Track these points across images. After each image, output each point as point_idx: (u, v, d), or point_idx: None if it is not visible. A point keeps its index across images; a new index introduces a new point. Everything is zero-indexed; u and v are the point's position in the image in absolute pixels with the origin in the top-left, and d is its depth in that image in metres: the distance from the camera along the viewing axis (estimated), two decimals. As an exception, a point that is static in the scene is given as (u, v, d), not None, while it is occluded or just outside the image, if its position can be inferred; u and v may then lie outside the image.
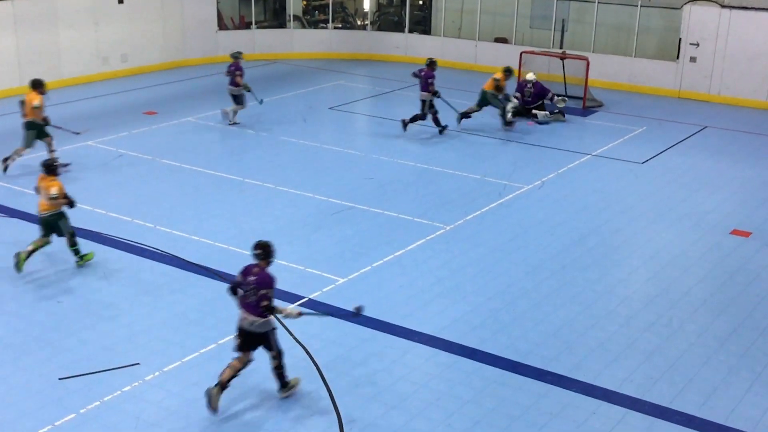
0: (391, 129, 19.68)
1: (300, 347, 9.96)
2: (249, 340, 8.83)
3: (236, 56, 19.48)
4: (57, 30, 22.50)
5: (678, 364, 9.88)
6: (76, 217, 12.78)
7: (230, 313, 10.58)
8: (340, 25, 28.75)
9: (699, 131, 19.82)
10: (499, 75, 19.29)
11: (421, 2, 28.65)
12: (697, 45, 22.57)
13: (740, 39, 22.01)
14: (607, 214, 14.52)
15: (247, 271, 8.81)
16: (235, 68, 19.21)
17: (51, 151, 15.48)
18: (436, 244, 13.06)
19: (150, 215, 13.92)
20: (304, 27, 28.35)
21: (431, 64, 18.66)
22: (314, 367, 9.58)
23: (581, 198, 15.29)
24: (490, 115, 20.03)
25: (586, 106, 21.69)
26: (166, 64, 25.31)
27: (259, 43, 27.14)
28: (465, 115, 19.38)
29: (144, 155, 17.06)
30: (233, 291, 8.88)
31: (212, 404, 8.67)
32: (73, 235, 11.90)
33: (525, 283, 11.84)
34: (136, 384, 9.24)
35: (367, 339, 10.26)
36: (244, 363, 8.87)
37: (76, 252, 11.92)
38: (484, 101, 19.41)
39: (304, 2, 28.85)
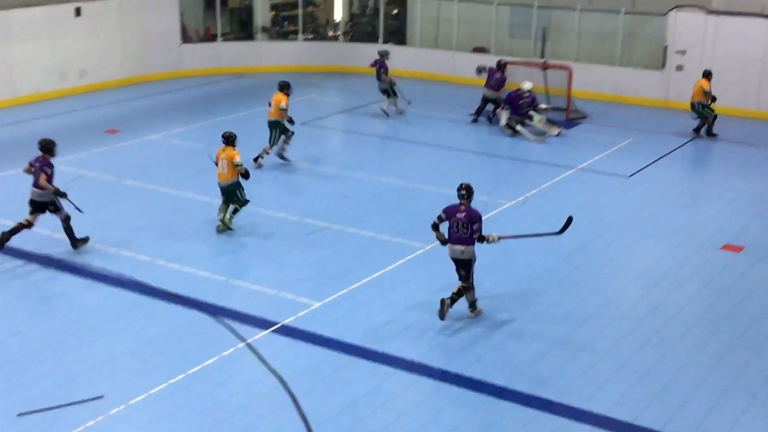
0: (367, 144, 19.78)
1: (274, 376, 9.95)
2: (457, 268, 11.25)
3: (383, 54, 21.60)
4: (10, 44, 22.40)
5: (671, 385, 9.97)
6: (34, 244, 12.75)
7: (199, 341, 10.60)
8: (310, 37, 28.87)
9: (687, 143, 20.07)
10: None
11: (395, 11, 28.85)
12: (684, 53, 22.90)
13: (728, 46, 22.35)
14: (594, 230, 14.65)
15: (453, 210, 11.20)
16: (379, 66, 21.45)
17: (285, 143, 17.82)
18: (415, 265, 13.10)
19: (112, 239, 13.87)
20: (272, 39, 28.46)
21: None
22: (289, 397, 9.57)
23: (566, 214, 15.34)
24: (471, 129, 20.20)
25: (570, 118, 21.90)
26: (127, 80, 25.28)
27: (225, 56, 27.20)
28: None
29: (106, 175, 17.01)
30: (435, 227, 11.28)
31: (443, 315, 11.09)
32: (243, 204, 14.21)
33: (509, 304, 11.91)
34: (101, 418, 9.17)
35: (345, 366, 10.26)
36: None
37: (236, 209, 14.18)
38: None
39: (273, 13, 28.95)
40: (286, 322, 11.23)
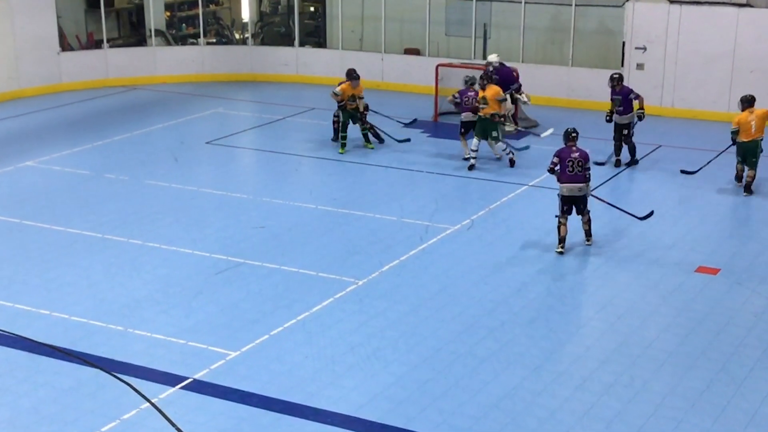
0: (284, 165, 19.86)
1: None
2: (572, 204, 14.82)
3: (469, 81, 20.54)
4: None
5: (643, 431, 10.23)
6: None
7: (94, 403, 10.53)
8: (214, 40, 28.94)
9: (652, 151, 20.60)
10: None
11: (312, 9, 29.09)
12: (644, 49, 23.51)
13: (693, 40, 22.95)
14: (550, 256, 14.96)
15: (566, 152, 14.82)
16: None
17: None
18: (346, 304, 13.20)
19: (-16, 287, 13.71)
20: (169, 44, 28.44)
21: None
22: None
23: (519, 238, 15.72)
24: (403, 143, 20.47)
25: (518, 127, 22.29)
26: (-5, 96, 25.02)
27: (113, 65, 27.07)
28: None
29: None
30: (552, 171, 14.91)
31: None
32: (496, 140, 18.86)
33: (457, 345, 12.08)
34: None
35: (270, 425, 10.30)
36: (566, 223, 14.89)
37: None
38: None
39: (168, 13, 28.93)
40: (197, 376, 11.21)
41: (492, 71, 20.53)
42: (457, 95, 20.09)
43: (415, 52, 26.64)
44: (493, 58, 21.73)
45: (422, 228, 16.07)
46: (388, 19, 26.73)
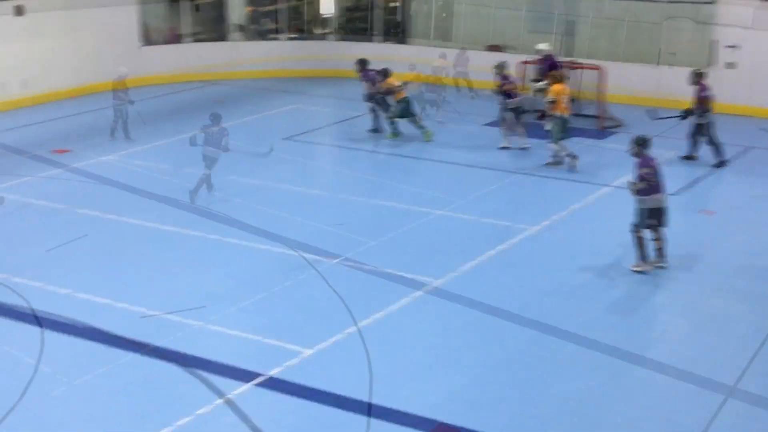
0: (362, 161, 19.90)
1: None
2: (656, 217, 13.94)
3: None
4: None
5: (729, 441, 9.99)
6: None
7: (169, 398, 10.63)
8: (295, 35, 29.09)
9: (743, 153, 20.20)
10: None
11: (395, 4, 29.09)
12: (736, 48, 23.03)
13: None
14: (632, 259, 14.71)
15: (652, 160, 13.90)
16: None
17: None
18: (424, 304, 13.15)
19: (58, 277, 13.94)
20: (249, 39, 28.69)
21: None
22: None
23: (600, 242, 15.50)
24: (479, 143, 20.37)
25: (603, 126, 22.05)
26: (77, 89, 25.45)
27: (193, 59, 27.37)
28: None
29: (55, 204, 17.12)
30: (641, 183, 13.78)
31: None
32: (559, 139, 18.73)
33: (536, 348, 11.93)
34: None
35: (341, 424, 10.29)
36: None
37: None
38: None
39: (249, 9, 29.18)
40: (272, 372, 11.26)
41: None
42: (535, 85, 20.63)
43: (497, 48, 26.49)
44: (543, 46, 22.25)
45: (502, 228, 15.97)
46: (469, 15, 26.59)
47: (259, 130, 22.29)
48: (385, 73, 21.31)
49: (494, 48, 26.54)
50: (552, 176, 18.76)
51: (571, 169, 19.02)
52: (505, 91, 20.35)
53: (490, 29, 26.87)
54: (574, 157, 19.10)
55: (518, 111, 20.52)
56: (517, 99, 20.45)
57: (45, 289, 13.50)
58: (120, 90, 20.92)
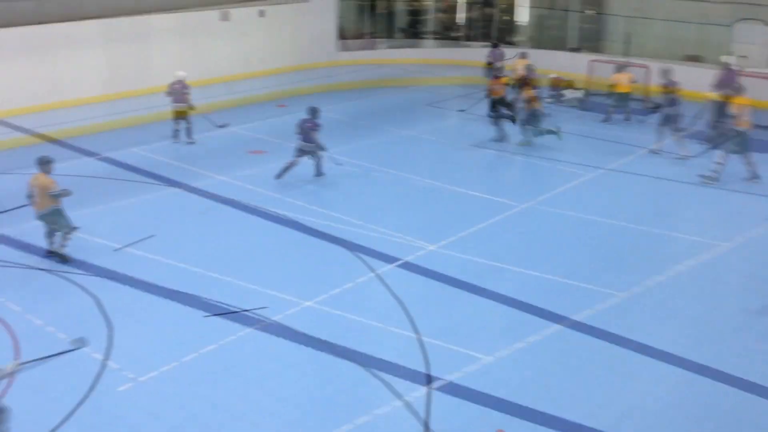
0: (548, 172, 19.88)
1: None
2: None
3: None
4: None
5: None
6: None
7: (351, 396, 10.93)
8: (487, 43, 29.28)
9: None
10: None
11: (591, 12, 28.84)
12: None
13: None
14: None
15: None
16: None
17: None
18: (606, 317, 13.02)
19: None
20: (441, 45, 29.04)
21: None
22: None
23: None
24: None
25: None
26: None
27: (387, 64, 27.89)
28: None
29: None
30: None
31: None
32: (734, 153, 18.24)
33: (724, 365, 11.71)
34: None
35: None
36: None
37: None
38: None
39: (442, 16, 29.53)
40: (450, 377, 11.45)
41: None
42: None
43: (696, 59, 25.93)
44: (727, 59, 21.79)
45: (689, 242, 15.67)
46: (669, 26, 26.07)
47: (446, 137, 22.50)
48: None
49: (693, 59, 25.95)
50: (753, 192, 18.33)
51: (753, 180, 18.80)
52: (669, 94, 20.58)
53: (687, 39, 26.29)
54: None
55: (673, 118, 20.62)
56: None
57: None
58: None
